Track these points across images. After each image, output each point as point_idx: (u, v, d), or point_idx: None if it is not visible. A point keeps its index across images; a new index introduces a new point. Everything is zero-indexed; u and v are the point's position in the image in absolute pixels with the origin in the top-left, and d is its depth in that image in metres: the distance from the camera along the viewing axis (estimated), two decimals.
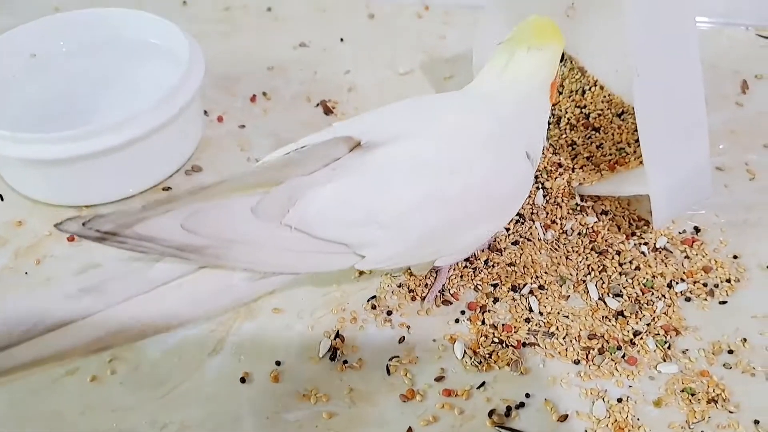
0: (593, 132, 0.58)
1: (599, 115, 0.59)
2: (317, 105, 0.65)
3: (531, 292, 0.49)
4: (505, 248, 0.52)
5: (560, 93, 0.60)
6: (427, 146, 0.42)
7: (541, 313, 0.48)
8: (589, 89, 0.60)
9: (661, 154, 0.47)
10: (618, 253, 0.51)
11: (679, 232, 0.54)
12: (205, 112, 0.64)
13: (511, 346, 0.46)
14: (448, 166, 0.42)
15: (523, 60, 0.46)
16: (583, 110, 0.59)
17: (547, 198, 0.55)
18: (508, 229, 0.53)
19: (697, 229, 0.54)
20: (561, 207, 0.54)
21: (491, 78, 0.47)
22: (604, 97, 0.59)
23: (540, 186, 0.55)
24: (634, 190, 0.51)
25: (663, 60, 0.47)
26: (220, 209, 0.38)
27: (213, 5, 0.78)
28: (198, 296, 0.40)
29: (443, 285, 0.49)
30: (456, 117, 0.45)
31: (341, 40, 0.74)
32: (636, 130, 0.51)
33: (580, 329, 0.47)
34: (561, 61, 0.50)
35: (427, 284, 0.50)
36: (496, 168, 0.44)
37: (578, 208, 0.54)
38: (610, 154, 0.56)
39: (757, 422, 0.42)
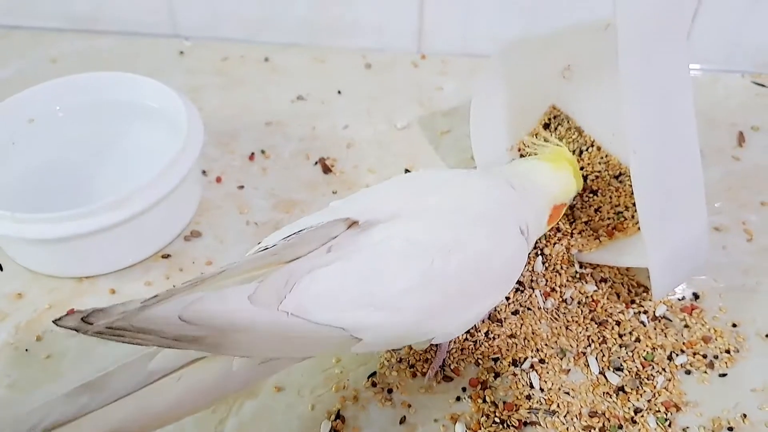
0: (591, 195, 0.58)
1: (597, 177, 0.59)
2: (316, 163, 0.65)
3: (532, 366, 0.49)
4: (505, 318, 0.52)
5: None
6: (421, 226, 0.43)
7: (542, 390, 0.48)
8: (587, 149, 0.60)
9: (659, 228, 0.48)
10: (618, 323, 0.52)
11: (679, 299, 0.54)
12: (204, 171, 0.64)
13: (513, 426, 0.46)
14: (443, 246, 0.42)
15: (545, 171, 0.50)
16: (580, 172, 0.59)
17: (547, 265, 0.55)
18: (508, 298, 0.53)
19: (696, 296, 0.54)
20: (560, 274, 0.54)
21: (512, 170, 0.50)
22: (602, 158, 0.60)
23: (539, 252, 0.55)
24: (633, 262, 0.52)
25: (660, 136, 0.47)
26: (218, 299, 0.38)
27: (210, 55, 0.78)
28: (199, 386, 0.40)
29: (444, 360, 0.50)
30: (450, 195, 0.45)
31: (339, 92, 0.74)
32: (633, 193, 0.52)
33: (581, 406, 0.47)
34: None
35: (427, 359, 0.50)
36: (490, 244, 0.44)
37: (577, 275, 0.54)
38: (609, 218, 0.56)
39: None
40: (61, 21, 0.80)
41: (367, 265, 0.40)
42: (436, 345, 0.50)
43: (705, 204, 0.50)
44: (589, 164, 0.60)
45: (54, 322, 0.35)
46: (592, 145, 0.60)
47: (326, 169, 0.65)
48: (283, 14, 0.78)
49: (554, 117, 0.62)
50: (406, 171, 0.65)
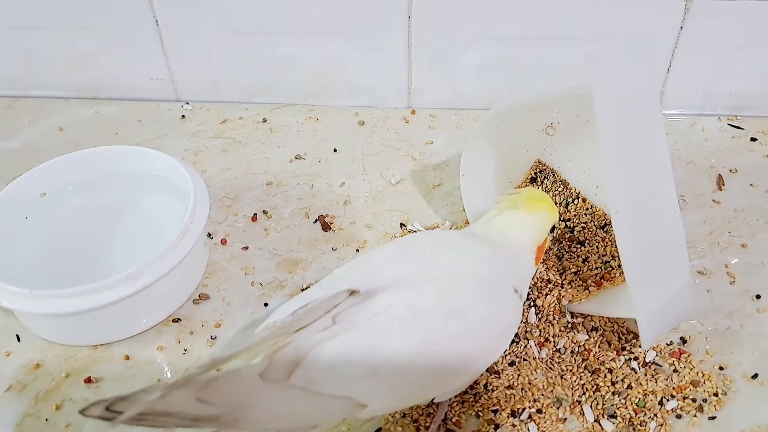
0: (578, 246, 0.61)
1: (583, 227, 0.62)
2: (315, 221, 0.68)
3: (530, 416, 0.52)
4: (502, 370, 0.55)
5: None
6: (419, 293, 0.45)
7: None
8: (572, 201, 0.63)
9: (645, 282, 0.50)
10: (610, 371, 0.54)
11: (667, 344, 0.56)
12: (209, 234, 0.67)
13: None
14: (441, 313, 0.45)
15: (510, 217, 0.52)
16: (567, 223, 0.63)
17: (540, 316, 0.57)
18: (505, 350, 0.56)
19: (683, 340, 0.57)
20: (553, 325, 0.57)
21: (491, 227, 0.53)
22: (587, 209, 0.63)
23: (532, 303, 0.58)
24: (622, 313, 0.54)
25: (640, 194, 0.50)
26: (231, 378, 0.41)
27: (210, 117, 0.82)
28: None
29: (445, 414, 0.52)
30: (451, 260, 0.48)
31: (335, 150, 0.77)
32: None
33: None
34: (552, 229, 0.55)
35: (430, 413, 0.52)
36: (487, 308, 0.47)
37: (569, 325, 0.57)
38: (596, 268, 0.59)
39: None
40: (66, 90, 0.84)
41: (369, 336, 0.43)
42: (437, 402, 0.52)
43: (687, 255, 0.53)
44: (575, 215, 0.63)
45: (80, 412, 0.37)
46: (578, 197, 0.64)
47: (325, 227, 0.68)
48: (278, 79, 0.81)
49: (540, 171, 0.65)
50: (402, 225, 0.68)
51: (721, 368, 0.55)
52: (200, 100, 0.84)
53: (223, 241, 0.66)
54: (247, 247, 0.66)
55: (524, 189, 0.55)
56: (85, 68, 0.82)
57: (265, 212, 0.69)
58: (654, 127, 0.52)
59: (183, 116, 0.82)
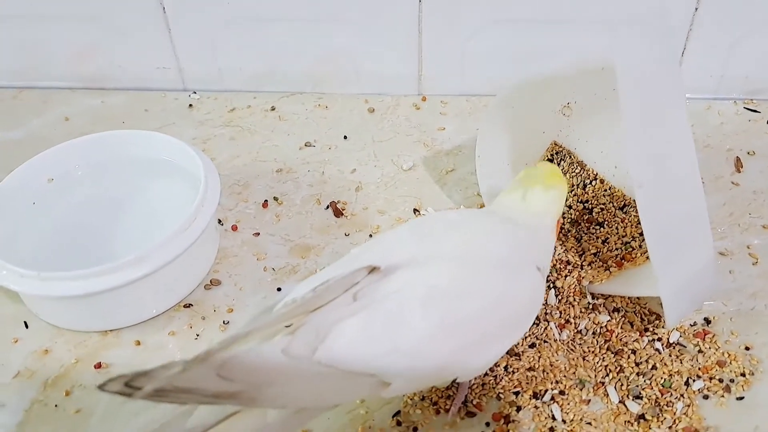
0: (597, 227, 0.60)
1: (602, 209, 0.61)
2: (327, 207, 0.67)
3: (552, 398, 0.50)
4: (523, 352, 0.53)
5: None
6: (440, 271, 0.44)
7: (564, 421, 0.49)
8: (590, 183, 0.62)
9: (669, 259, 0.49)
10: (633, 351, 0.53)
11: (691, 325, 0.55)
12: (220, 221, 0.66)
13: None
14: (462, 290, 0.44)
15: (539, 196, 0.51)
16: (585, 205, 0.61)
17: (559, 297, 0.56)
18: (528, 330, 0.54)
19: (707, 321, 0.55)
20: (573, 306, 0.56)
21: (509, 204, 0.51)
22: (605, 190, 0.62)
23: (551, 285, 0.57)
24: (644, 292, 0.53)
25: (663, 169, 0.49)
26: (253, 354, 0.39)
27: (218, 107, 0.81)
28: None
29: (466, 396, 0.51)
30: (468, 238, 0.47)
31: (345, 137, 0.76)
32: (639, 223, 0.54)
33: None
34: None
35: (449, 395, 0.51)
36: (509, 286, 0.46)
37: (590, 306, 0.56)
38: (617, 249, 0.58)
39: None
40: (71, 81, 0.83)
41: (390, 313, 0.41)
42: (458, 382, 0.51)
43: (710, 232, 0.52)
44: (593, 197, 0.62)
45: (98, 387, 0.36)
46: (596, 178, 0.62)
47: (337, 213, 0.66)
48: (286, 67, 0.80)
49: (556, 153, 0.64)
50: (415, 210, 0.66)
51: (747, 348, 0.53)
52: (207, 89, 0.83)
53: (234, 228, 0.65)
54: (258, 233, 0.65)
55: (542, 164, 0.53)
56: (91, 58, 0.81)
57: (275, 199, 0.68)
58: (676, 103, 0.50)
59: (190, 105, 0.81)
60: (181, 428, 0.40)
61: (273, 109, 0.80)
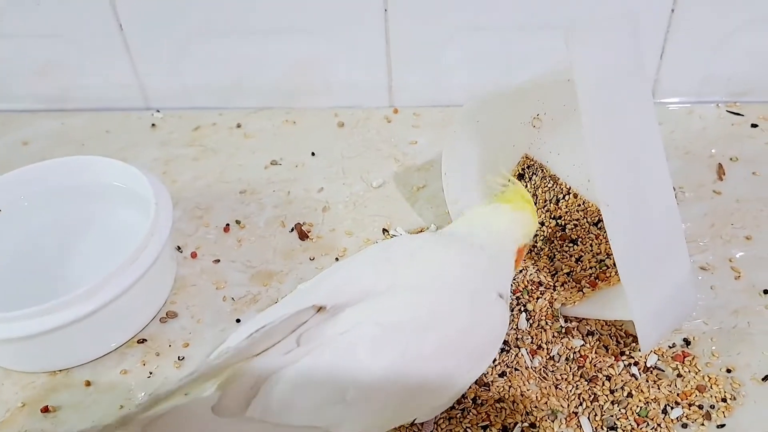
0: (571, 244, 0.57)
1: (575, 225, 0.58)
2: (292, 230, 0.64)
3: (522, 431, 0.47)
4: (492, 381, 0.50)
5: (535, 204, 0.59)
6: (392, 306, 0.41)
7: None
8: (563, 197, 0.59)
9: (641, 280, 0.46)
10: (608, 378, 0.50)
11: (669, 347, 0.52)
12: (179, 247, 0.63)
13: None
14: (420, 324, 0.41)
15: (491, 212, 0.47)
16: (558, 221, 0.59)
17: (531, 321, 0.53)
18: (494, 360, 0.52)
19: (686, 342, 0.52)
20: (545, 331, 0.53)
21: (472, 223, 0.48)
22: (579, 205, 0.59)
23: (523, 308, 0.54)
24: (618, 315, 0.50)
25: (631, 186, 0.46)
26: (179, 415, 0.37)
27: (182, 125, 0.78)
28: None
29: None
30: (426, 266, 0.44)
31: (313, 153, 0.73)
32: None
33: None
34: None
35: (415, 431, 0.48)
36: (472, 316, 0.43)
37: (563, 330, 0.53)
38: (590, 268, 0.55)
39: None
40: (29, 102, 0.80)
41: (335, 359, 0.38)
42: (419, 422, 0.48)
43: (686, 249, 0.49)
44: (567, 212, 0.59)
45: None
46: (569, 193, 0.59)
47: (302, 236, 0.64)
48: (252, 81, 0.78)
49: (528, 167, 0.61)
50: (384, 230, 0.64)
51: (728, 371, 0.50)
52: (172, 107, 0.80)
53: (193, 255, 0.62)
54: (218, 260, 0.62)
55: (515, 184, 0.50)
56: (49, 78, 0.78)
57: (238, 222, 0.65)
58: (643, 111, 0.48)
59: (153, 125, 0.78)
60: None
61: (239, 126, 0.77)
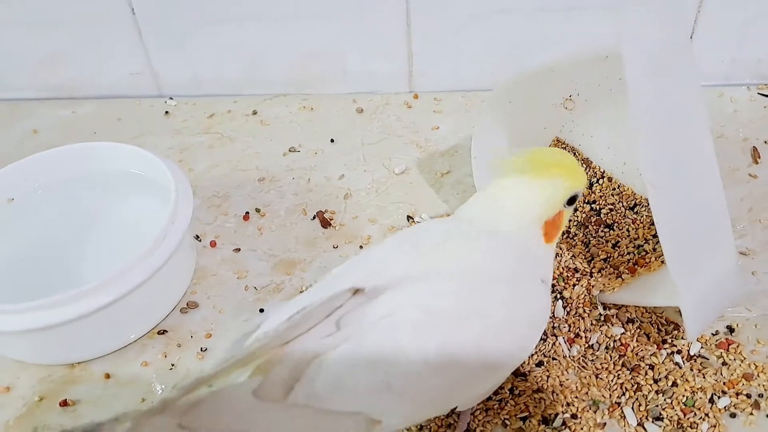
0: (606, 229, 0.55)
1: (611, 210, 0.56)
2: (314, 217, 0.62)
3: (564, 423, 0.45)
4: (530, 371, 0.48)
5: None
6: (436, 290, 0.39)
7: None
8: (597, 182, 0.57)
9: (688, 265, 0.44)
10: (651, 367, 0.48)
11: (713, 334, 0.50)
12: (197, 236, 0.61)
13: None
14: (463, 312, 0.39)
15: (509, 189, 0.43)
16: (593, 206, 0.56)
17: (568, 309, 0.51)
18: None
19: (730, 329, 0.50)
20: (584, 318, 0.51)
21: (478, 205, 0.44)
22: (614, 189, 0.57)
23: (558, 296, 0.52)
24: (661, 302, 0.48)
25: (678, 167, 0.44)
26: (219, 400, 0.35)
27: (196, 113, 0.76)
28: None
29: (468, 424, 0.46)
30: (462, 254, 0.42)
31: (332, 140, 0.71)
32: (652, 224, 0.48)
33: None
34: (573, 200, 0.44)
35: (450, 424, 0.46)
36: (514, 303, 0.41)
37: (602, 318, 0.51)
38: (629, 253, 0.53)
39: None
40: (40, 91, 0.78)
41: (379, 344, 0.36)
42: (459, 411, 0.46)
43: (732, 234, 0.47)
44: (601, 197, 0.57)
45: None
46: (603, 176, 0.57)
47: (325, 223, 0.62)
48: (268, 68, 0.75)
49: None
50: (409, 218, 0.62)
51: None
52: (185, 94, 0.78)
53: (213, 244, 0.60)
54: (239, 249, 0.60)
55: (533, 149, 0.44)
56: (59, 66, 0.76)
57: (257, 210, 0.63)
58: (691, 90, 0.46)
59: (167, 112, 0.76)
60: None
61: (255, 113, 0.75)
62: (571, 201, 0.44)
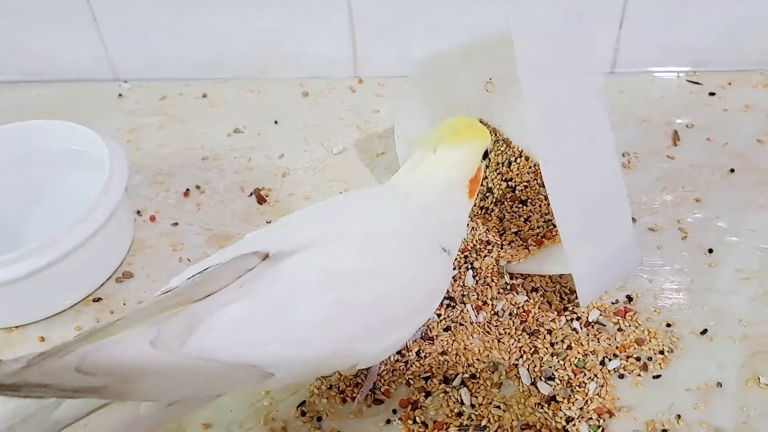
0: (521, 205, 0.58)
1: (526, 186, 0.59)
2: (251, 194, 0.65)
3: (463, 382, 0.49)
4: (437, 336, 0.51)
5: (486, 168, 0.60)
6: (336, 254, 0.42)
7: (473, 405, 0.47)
8: (515, 160, 0.60)
9: (580, 235, 0.47)
10: (549, 332, 0.51)
11: (612, 303, 0.53)
12: (139, 212, 0.64)
13: None
14: (360, 274, 0.42)
15: (434, 159, 0.47)
16: (509, 183, 0.59)
17: (477, 278, 0.54)
18: (439, 315, 0.53)
19: (629, 298, 0.53)
20: (491, 287, 0.54)
21: (404, 177, 0.48)
22: (530, 168, 0.60)
23: (470, 266, 0.55)
24: (557, 269, 0.51)
25: (571, 144, 0.47)
26: (117, 346, 0.37)
27: (148, 96, 0.79)
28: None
29: (374, 383, 0.49)
30: (368, 220, 0.45)
31: (276, 122, 0.74)
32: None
33: (513, 419, 0.46)
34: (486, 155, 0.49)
35: (358, 383, 0.49)
36: (413, 270, 0.44)
37: (508, 287, 0.54)
38: (538, 227, 0.56)
39: None
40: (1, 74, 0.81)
41: (275, 298, 0.39)
42: (366, 369, 0.49)
43: (629, 212, 0.50)
44: (518, 175, 0.60)
45: None
46: (521, 156, 0.60)
47: (261, 200, 0.64)
48: (220, 52, 0.78)
49: None
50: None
51: (668, 325, 0.51)
52: (140, 78, 0.81)
53: (152, 218, 0.63)
54: (177, 223, 0.63)
55: (447, 120, 0.48)
56: (18, 50, 0.79)
57: (198, 187, 0.66)
58: (585, 73, 0.49)
59: (120, 95, 0.79)
60: (47, 420, 0.38)
61: (205, 96, 0.78)
62: (485, 156, 0.49)
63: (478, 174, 0.48)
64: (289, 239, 0.43)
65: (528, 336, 0.51)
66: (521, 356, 0.50)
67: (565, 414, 0.46)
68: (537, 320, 0.52)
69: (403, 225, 0.45)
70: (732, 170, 0.64)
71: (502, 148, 0.61)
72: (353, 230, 0.44)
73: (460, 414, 0.47)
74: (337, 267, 0.41)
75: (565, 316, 0.52)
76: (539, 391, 0.48)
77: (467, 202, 0.48)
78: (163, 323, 0.38)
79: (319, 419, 0.47)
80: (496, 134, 0.62)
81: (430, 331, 0.52)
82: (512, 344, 0.51)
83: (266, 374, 0.40)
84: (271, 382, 0.40)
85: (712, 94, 0.73)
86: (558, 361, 0.49)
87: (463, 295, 0.54)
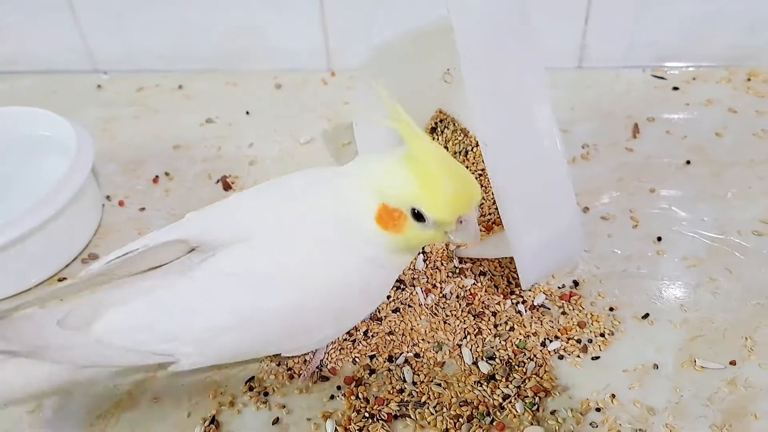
0: None
1: (480, 175, 0.60)
2: (217, 181, 0.67)
3: (406, 360, 0.50)
4: (385, 317, 0.53)
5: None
6: (257, 254, 0.42)
7: (414, 383, 0.49)
8: (472, 149, 0.62)
9: (521, 218, 0.48)
10: (494, 314, 0.52)
11: (559, 287, 0.55)
12: (108, 197, 0.66)
13: (382, 419, 0.47)
14: (272, 279, 0.41)
15: (389, 167, 0.40)
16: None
17: (427, 262, 0.56)
18: (389, 297, 0.54)
19: (575, 283, 0.55)
20: (440, 271, 0.55)
21: (355, 167, 0.43)
22: None
23: (420, 251, 0.56)
24: (499, 253, 0.53)
25: (511, 130, 0.48)
26: (27, 321, 0.40)
27: (126, 87, 0.81)
28: (17, 380, 0.41)
29: (321, 361, 0.50)
30: (294, 217, 0.43)
31: (247, 113, 0.76)
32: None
33: (452, 396, 0.48)
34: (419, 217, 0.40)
35: (306, 360, 0.51)
36: (332, 276, 0.42)
37: (457, 270, 0.55)
38: (490, 214, 0.58)
39: None
40: None
41: (180, 298, 0.41)
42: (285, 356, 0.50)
43: (574, 200, 0.51)
44: (474, 163, 0.61)
45: None
46: (477, 145, 0.62)
47: (227, 186, 0.66)
48: (197, 45, 0.80)
49: (440, 121, 0.64)
50: None
51: (611, 309, 0.53)
52: (118, 69, 0.83)
53: (121, 203, 0.65)
54: (144, 209, 0.65)
55: (444, 155, 0.41)
56: None
57: (167, 174, 0.68)
58: (528, 60, 0.50)
59: (99, 86, 0.81)
60: None
61: (180, 87, 0.80)
62: (416, 215, 0.40)
63: (393, 214, 0.40)
64: (214, 229, 0.43)
65: (473, 318, 0.52)
66: (465, 337, 0.51)
67: (502, 392, 0.47)
68: (483, 303, 0.53)
69: (327, 228, 0.42)
70: (688, 162, 0.65)
71: (459, 138, 0.62)
72: (272, 227, 0.42)
73: (401, 390, 0.48)
74: (253, 269, 0.41)
75: (511, 299, 0.53)
76: (479, 370, 0.49)
77: (376, 228, 0.40)
78: (74, 306, 0.41)
79: (266, 394, 0.49)
80: (454, 124, 0.63)
81: (379, 312, 0.53)
82: (457, 325, 0.52)
83: (168, 363, 0.42)
84: (174, 367, 0.43)
85: (675, 88, 0.74)
86: (500, 342, 0.50)
87: (413, 278, 0.55)
